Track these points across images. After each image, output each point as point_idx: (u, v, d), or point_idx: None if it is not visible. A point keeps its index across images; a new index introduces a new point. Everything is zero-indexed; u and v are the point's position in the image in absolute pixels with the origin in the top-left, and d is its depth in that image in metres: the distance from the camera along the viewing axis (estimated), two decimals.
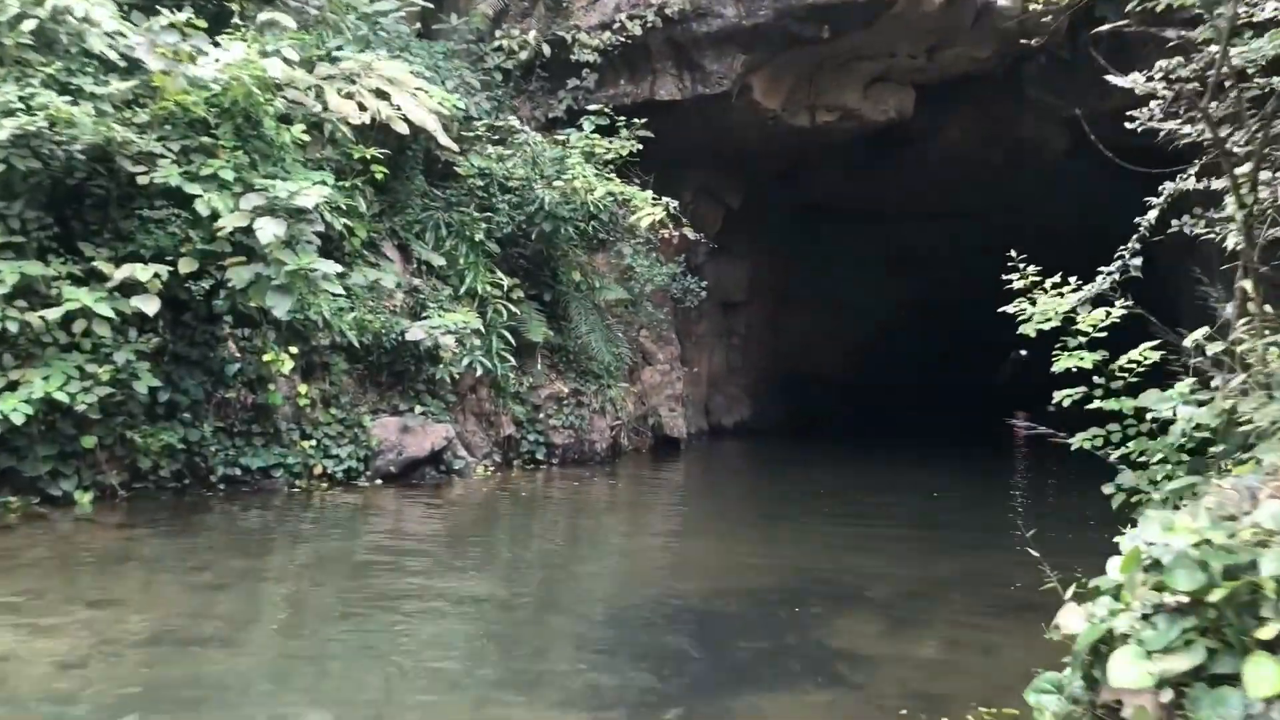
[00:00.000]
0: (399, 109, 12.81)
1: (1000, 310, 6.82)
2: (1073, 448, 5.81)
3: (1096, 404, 5.83)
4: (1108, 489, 5.39)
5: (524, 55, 16.56)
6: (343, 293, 11.63)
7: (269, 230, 9.65)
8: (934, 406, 47.69)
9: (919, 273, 32.97)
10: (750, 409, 25.21)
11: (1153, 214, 7.40)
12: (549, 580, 8.33)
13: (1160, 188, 7.41)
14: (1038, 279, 6.52)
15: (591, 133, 15.05)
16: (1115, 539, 3.81)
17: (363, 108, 12.54)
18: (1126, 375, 5.87)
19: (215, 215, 10.01)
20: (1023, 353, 70.06)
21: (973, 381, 57.68)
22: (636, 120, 15.78)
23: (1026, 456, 24.22)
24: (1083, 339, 6.08)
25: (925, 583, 8.27)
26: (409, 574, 8.17)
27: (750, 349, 25.79)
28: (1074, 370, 6.02)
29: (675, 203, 13.78)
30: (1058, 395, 6.06)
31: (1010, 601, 7.56)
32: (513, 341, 14.34)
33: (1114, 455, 5.62)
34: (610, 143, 15.09)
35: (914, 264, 32.02)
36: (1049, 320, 6.28)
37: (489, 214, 14.49)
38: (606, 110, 15.54)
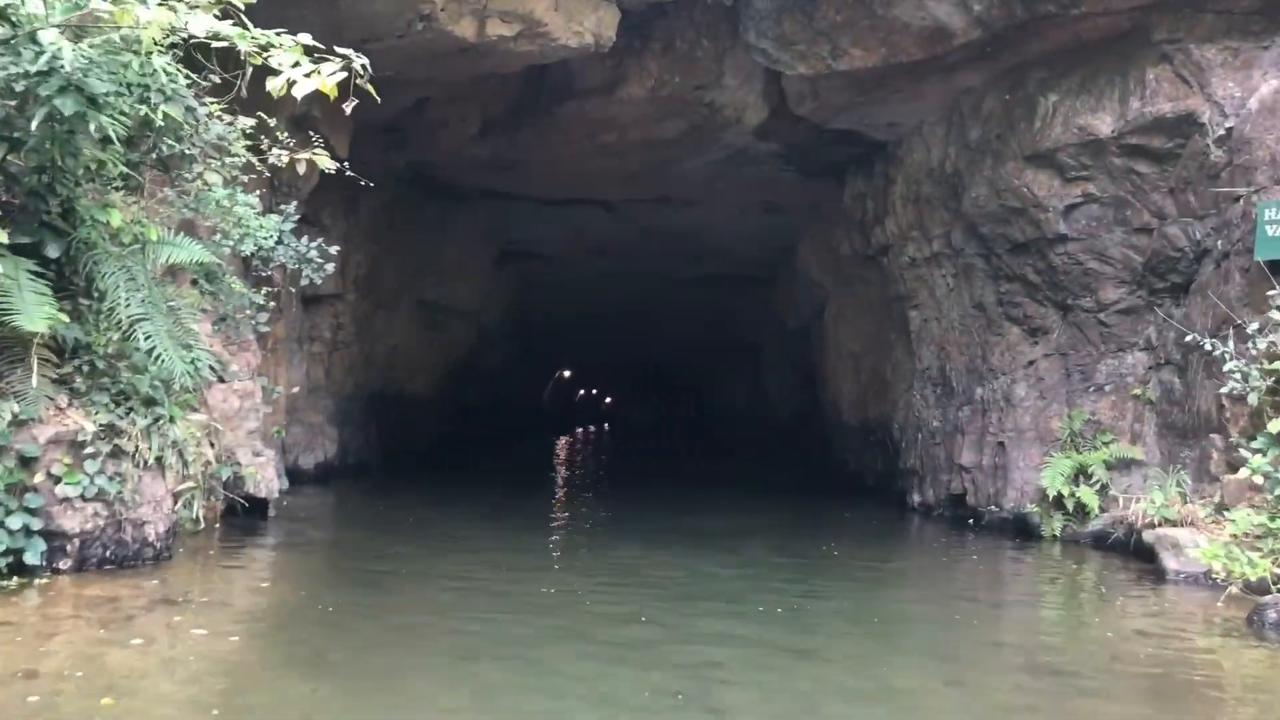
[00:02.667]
0: None
1: None
2: None
3: None
4: None
5: None
6: None
7: None
8: (507, 426, 43.07)
9: (530, 273, 27.97)
10: (336, 442, 18.45)
11: None
12: None
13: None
14: None
15: None
16: None
17: None
18: None
19: None
20: (566, 373, 68.35)
21: (530, 401, 54.09)
22: None
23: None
24: None
25: None
26: None
27: (337, 360, 19.05)
28: None
29: (365, 61, 7.14)
30: None
31: None
32: None
33: None
34: None
35: (526, 261, 26.94)
36: None
37: None
38: None
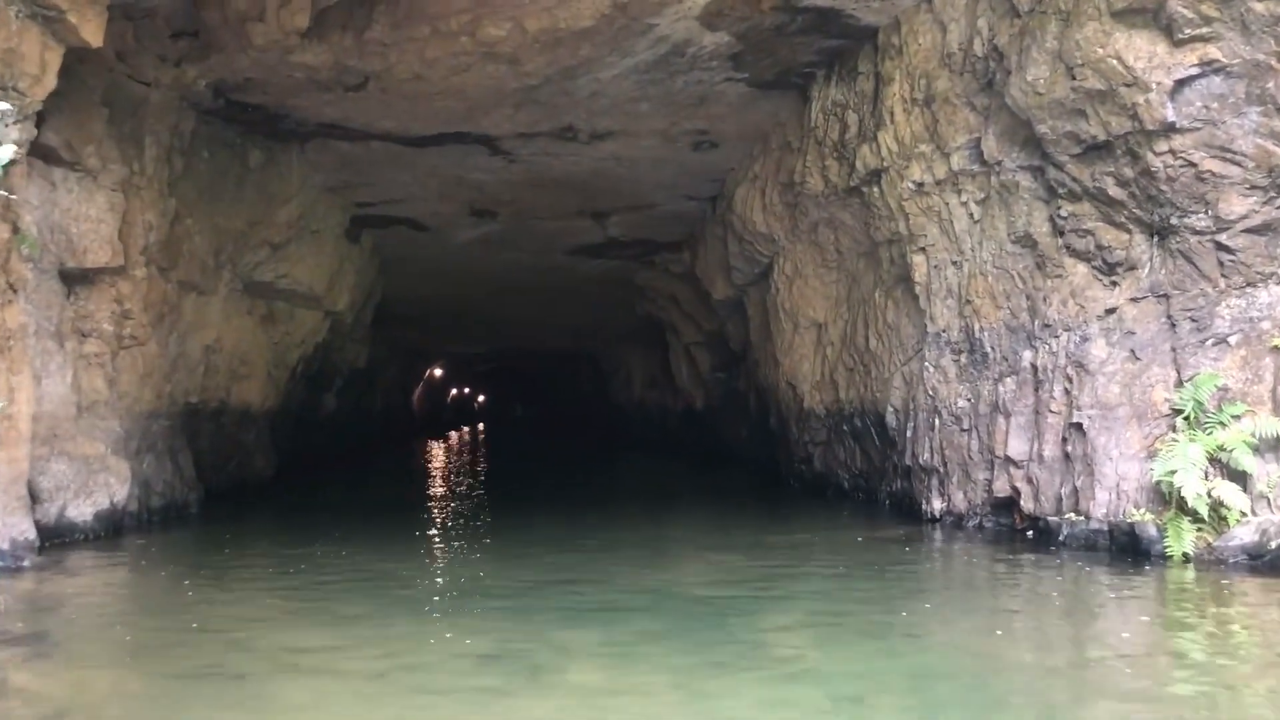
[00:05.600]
0: None
1: None
2: None
3: None
4: None
5: None
6: None
7: None
8: (371, 436, 37.25)
9: (392, 245, 22.55)
10: (127, 480, 12.90)
11: None
12: None
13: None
14: None
15: None
16: None
17: None
18: None
19: None
20: (438, 371, 62.41)
21: (398, 405, 48.19)
22: None
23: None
24: None
25: None
26: None
27: (125, 364, 13.44)
28: None
29: None
30: None
31: None
32: None
33: None
34: None
35: (386, 229, 21.55)
36: None
37: None
38: None
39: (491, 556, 11.27)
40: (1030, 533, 11.73)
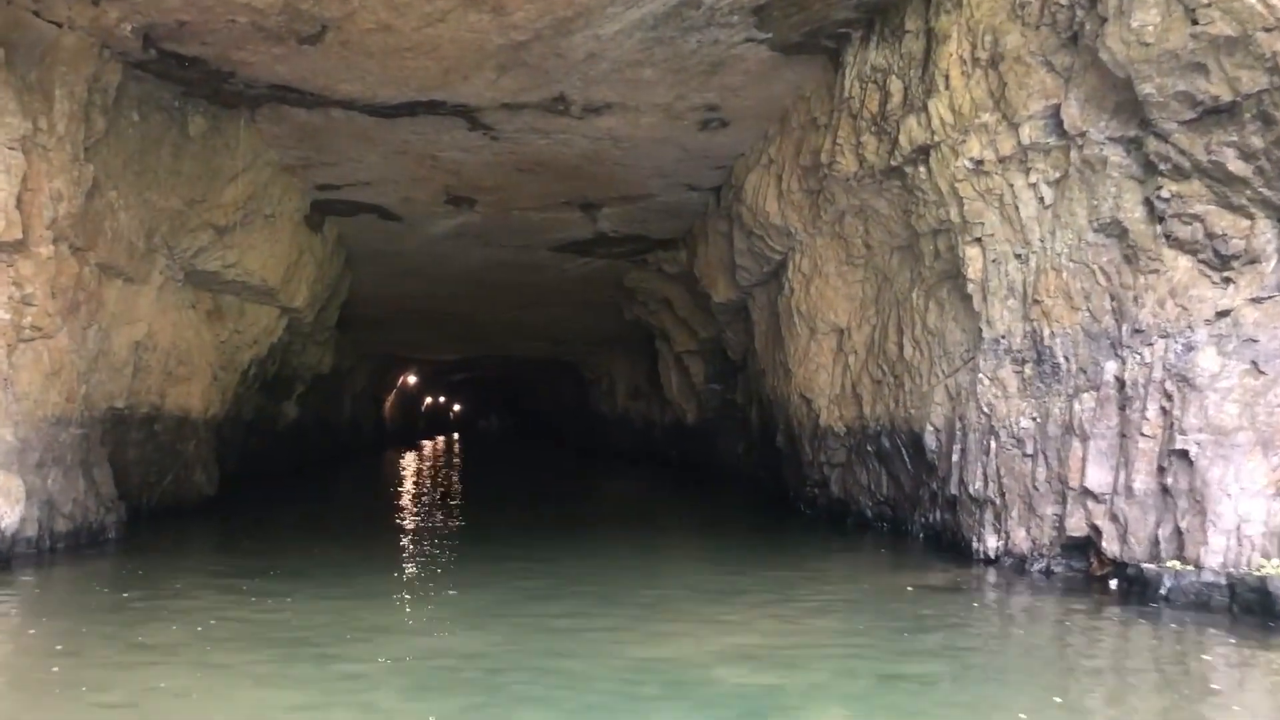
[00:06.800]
0: None
1: None
2: None
3: None
4: None
5: None
6: None
7: None
8: (339, 447, 34.98)
9: (358, 236, 20.33)
10: (25, 499, 10.68)
11: None
12: None
13: None
14: None
15: None
16: None
17: None
18: None
19: None
20: (412, 379, 60.05)
21: (370, 414, 45.87)
22: None
23: None
24: None
25: None
26: None
27: (26, 359, 11.21)
28: None
29: None
30: None
31: None
32: None
33: None
34: None
35: (351, 218, 19.35)
36: None
37: None
38: None
39: (461, 608, 9.07)
40: (1114, 581, 9.68)
